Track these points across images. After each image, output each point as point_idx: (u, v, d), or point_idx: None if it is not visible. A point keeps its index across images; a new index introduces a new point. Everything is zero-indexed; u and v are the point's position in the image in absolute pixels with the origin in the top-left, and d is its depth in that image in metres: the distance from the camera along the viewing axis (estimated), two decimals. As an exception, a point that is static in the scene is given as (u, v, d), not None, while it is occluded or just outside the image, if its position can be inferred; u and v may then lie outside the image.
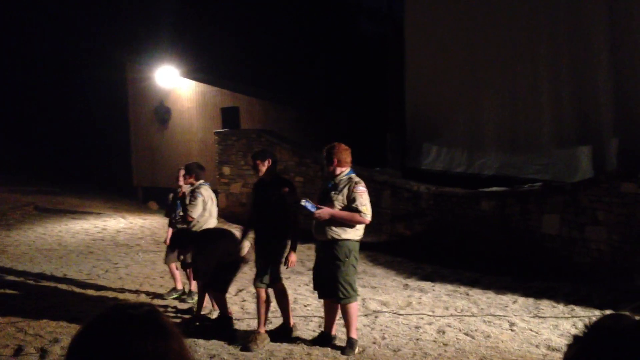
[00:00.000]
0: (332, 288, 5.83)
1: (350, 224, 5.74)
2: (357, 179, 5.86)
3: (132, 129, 19.89)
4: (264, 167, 6.32)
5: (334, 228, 5.73)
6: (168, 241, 7.94)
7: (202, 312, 7.06)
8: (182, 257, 7.36)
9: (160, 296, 8.10)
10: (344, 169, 5.89)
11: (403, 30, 13.84)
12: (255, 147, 14.36)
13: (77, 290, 8.41)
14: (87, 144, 23.78)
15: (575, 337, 1.23)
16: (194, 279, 7.65)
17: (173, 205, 8.02)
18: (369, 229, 10.62)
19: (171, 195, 8.16)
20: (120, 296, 8.14)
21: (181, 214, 7.67)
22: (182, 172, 7.83)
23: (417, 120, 13.14)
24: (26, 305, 7.57)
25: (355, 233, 5.82)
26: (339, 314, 6.04)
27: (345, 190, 5.75)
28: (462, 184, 10.73)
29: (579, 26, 9.97)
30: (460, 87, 12.13)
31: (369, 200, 5.81)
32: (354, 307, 5.93)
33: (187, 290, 7.98)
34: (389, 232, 11.34)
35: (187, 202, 7.29)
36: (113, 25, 22.42)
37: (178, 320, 6.97)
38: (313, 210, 5.67)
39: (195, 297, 7.55)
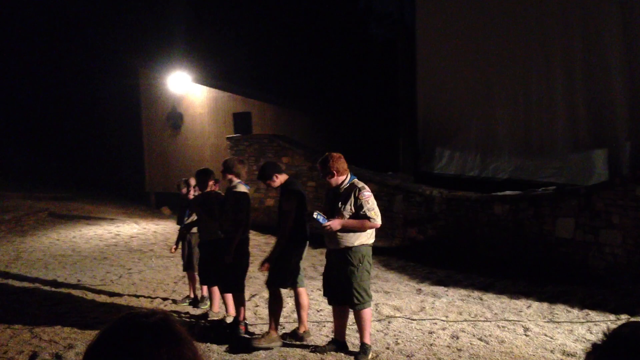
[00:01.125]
0: (344, 294, 5.82)
1: (362, 231, 5.73)
2: (360, 184, 5.83)
3: (144, 135, 20.00)
4: (275, 183, 6.33)
5: (345, 236, 5.72)
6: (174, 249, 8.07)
7: (217, 318, 7.07)
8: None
9: (174, 302, 8.12)
10: (343, 177, 5.87)
11: (414, 35, 13.83)
12: (267, 152, 14.40)
13: (91, 296, 8.45)
14: (100, 150, 23.92)
15: (594, 345, 1.23)
16: (202, 284, 7.67)
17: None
18: (381, 233, 10.65)
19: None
20: (134, 302, 8.17)
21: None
22: (192, 182, 7.95)
23: (429, 125, 13.12)
24: (41, 311, 7.61)
25: (368, 237, 5.80)
26: (351, 319, 6.02)
27: (351, 198, 5.73)
28: (475, 188, 10.69)
29: (593, 29, 9.92)
30: (472, 90, 12.09)
31: (375, 203, 5.78)
32: (368, 313, 5.91)
33: (199, 296, 7.99)
34: (402, 237, 11.32)
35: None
36: (126, 31, 22.56)
37: (191, 327, 6.98)
38: (324, 222, 5.65)
39: (208, 302, 7.57)
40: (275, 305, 6.36)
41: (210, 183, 7.43)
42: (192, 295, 8.09)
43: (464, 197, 10.41)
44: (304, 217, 6.17)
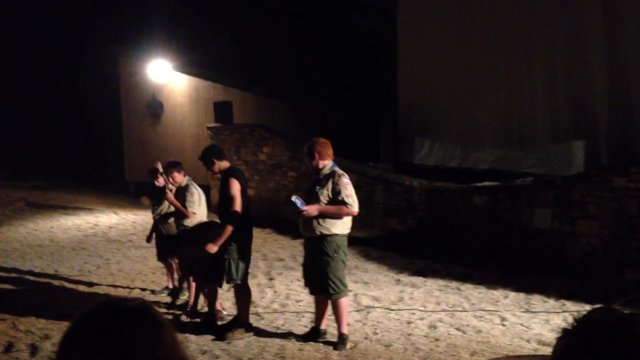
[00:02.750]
0: (320, 284, 5.84)
1: (339, 217, 5.74)
2: (340, 171, 5.86)
3: (124, 124, 19.83)
4: (214, 168, 6.36)
5: (322, 223, 5.72)
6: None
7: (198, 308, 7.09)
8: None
9: (152, 292, 8.08)
10: (326, 162, 5.89)
11: (396, 25, 13.81)
12: (248, 142, 14.35)
13: (69, 286, 8.39)
14: (80, 139, 23.69)
15: (565, 330, 1.23)
16: (184, 275, 7.63)
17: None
18: (361, 224, 10.68)
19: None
20: (112, 292, 8.12)
21: (162, 211, 7.67)
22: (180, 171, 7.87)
23: (410, 115, 13.13)
24: (17, 301, 7.55)
25: (344, 227, 5.82)
26: (330, 309, 6.03)
27: (330, 184, 5.75)
28: (456, 179, 10.73)
29: (574, 21, 9.98)
30: (454, 81, 12.12)
31: (354, 191, 5.81)
32: (345, 303, 5.93)
33: (179, 287, 7.95)
34: (382, 227, 11.35)
35: (187, 199, 7.18)
36: (106, 18, 22.30)
37: (170, 317, 6.96)
38: (302, 207, 5.66)
39: (187, 293, 7.55)
40: (243, 298, 6.35)
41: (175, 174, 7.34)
42: (170, 286, 8.06)
43: (444, 188, 10.45)
44: (247, 205, 6.19)
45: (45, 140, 24.67)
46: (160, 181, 7.77)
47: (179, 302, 7.55)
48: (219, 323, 6.61)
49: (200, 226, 7.04)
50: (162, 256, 7.92)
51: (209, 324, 6.55)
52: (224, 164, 6.40)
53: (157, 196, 7.91)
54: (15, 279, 8.72)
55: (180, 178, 7.31)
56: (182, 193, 7.26)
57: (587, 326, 1.21)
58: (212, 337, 6.19)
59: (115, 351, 1.19)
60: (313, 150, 5.87)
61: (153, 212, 8.00)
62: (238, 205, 6.06)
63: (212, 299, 6.69)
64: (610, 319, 1.21)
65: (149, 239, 8.24)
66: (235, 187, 6.10)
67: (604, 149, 9.51)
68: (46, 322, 6.68)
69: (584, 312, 1.25)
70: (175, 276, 7.98)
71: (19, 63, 25.16)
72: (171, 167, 7.33)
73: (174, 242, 7.06)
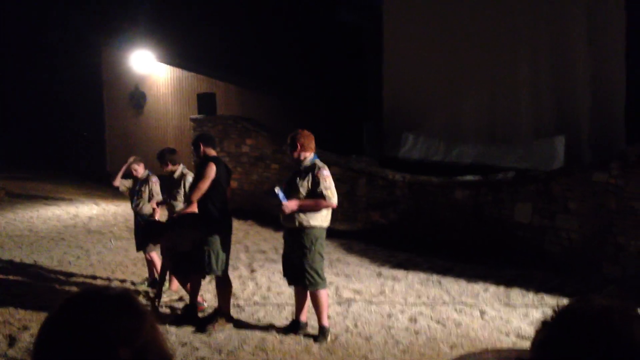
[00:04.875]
0: (299, 275, 5.84)
1: (318, 210, 5.74)
2: (320, 163, 5.86)
3: (106, 114, 19.68)
4: (200, 153, 6.47)
5: (301, 215, 5.73)
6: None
7: (175, 297, 7.10)
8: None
9: (132, 284, 8.03)
10: (307, 154, 5.89)
11: (381, 20, 13.81)
12: (231, 134, 14.28)
13: (48, 277, 8.32)
14: (61, 129, 23.45)
15: (544, 322, 1.22)
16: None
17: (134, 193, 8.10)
18: (343, 217, 10.68)
19: (129, 182, 8.28)
20: (92, 283, 8.06)
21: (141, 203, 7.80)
22: (140, 164, 7.98)
23: (394, 109, 13.15)
24: (-5, 292, 7.47)
25: (323, 219, 5.82)
26: (309, 301, 6.03)
27: (309, 176, 5.76)
28: (439, 173, 10.76)
29: (558, 19, 10.05)
30: (438, 76, 12.15)
31: (333, 184, 5.81)
32: (323, 295, 5.94)
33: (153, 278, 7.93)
34: (364, 221, 11.36)
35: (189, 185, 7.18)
36: (89, 8, 22.07)
37: (150, 307, 6.92)
38: (284, 201, 5.66)
39: (167, 283, 7.54)
40: (224, 290, 6.34)
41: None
42: (151, 278, 8.01)
43: (426, 182, 10.47)
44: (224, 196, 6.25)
45: (25, 131, 24.39)
46: (139, 172, 7.91)
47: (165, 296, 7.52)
48: (200, 315, 6.59)
49: (188, 216, 6.99)
50: (141, 247, 7.91)
51: (190, 316, 6.53)
52: (210, 151, 6.42)
53: (135, 187, 8.00)
54: (-6, 270, 8.63)
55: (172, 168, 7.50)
56: (179, 181, 7.41)
57: (566, 317, 1.21)
58: (193, 329, 6.17)
59: (97, 337, 1.20)
60: (296, 142, 5.87)
61: (132, 203, 8.07)
62: (204, 184, 6.09)
63: (194, 290, 6.67)
64: (589, 309, 1.20)
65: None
66: (211, 169, 6.13)
67: (586, 145, 9.59)
68: (24, 312, 6.63)
69: (563, 304, 1.24)
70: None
71: (-1, 52, 24.84)
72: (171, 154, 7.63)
73: (158, 230, 6.99)
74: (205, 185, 6.11)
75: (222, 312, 6.29)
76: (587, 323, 1.17)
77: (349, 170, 11.63)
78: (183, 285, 6.97)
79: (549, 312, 1.18)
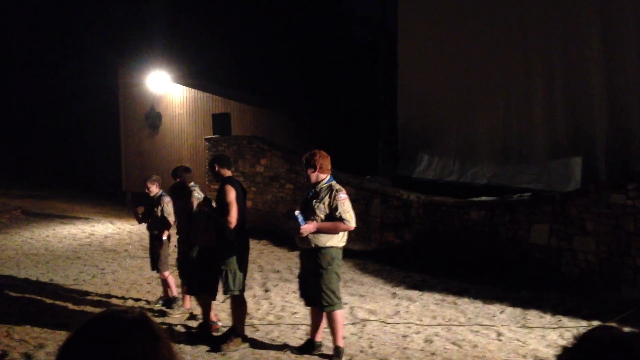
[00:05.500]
0: (314, 296, 5.81)
1: (335, 233, 5.72)
2: (337, 186, 5.83)
3: (122, 134, 19.83)
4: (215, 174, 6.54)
5: (317, 236, 5.71)
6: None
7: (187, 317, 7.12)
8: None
9: (147, 302, 8.04)
10: (324, 176, 5.86)
11: (396, 38, 13.87)
12: (246, 154, 14.34)
13: (64, 295, 8.35)
14: (77, 149, 23.67)
15: (565, 347, 1.22)
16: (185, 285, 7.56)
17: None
18: (358, 237, 10.66)
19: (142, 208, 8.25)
20: (107, 302, 8.08)
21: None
22: (154, 183, 8.03)
23: (409, 129, 13.15)
24: (12, 310, 7.52)
25: (338, 240, 5.79)
26: (325, 321, 6.01)
27: (327, 199, 5.72)
28: (453, 193, 10.72)
29: (572, 37, 10.03)
30: (453, 96, 12.15)
31: (351, 206, 5.78)
32: (339, 315, 5.91)
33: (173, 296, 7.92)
34: (378, 241, 11.33)
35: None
36: (105, 30, 22.37)
37: (165, 327, 6.93)
38: (302, 224, 5.62)
39: (180, 302, 7.59)
40: (239, 310, 6.33)
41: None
42: (165, 296, 8.01)
43: (441, 202, 10.44)
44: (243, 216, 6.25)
45: (42, 150, 24.64)
46: (152, 190, 7.95)
47: (177, 314, 7.52)
48: (215, 334, 6.58)
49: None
50: (155, 266, 7.95)
51: (204, 335, 6.53)
52: (225, 172, 6.44)
53: (149, 206, 8.04)
54: (10, 288, 8.68)
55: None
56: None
57: (587, 344, 1.20)
58: (207, 348, 6.16)
59: None
60: (312, 163, 5.84)
61: (146, 223, 8.14)
62: (234, 209, 6.08)
63: (206, 309, 6.67)
64: (610, 337, 1.20)
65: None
66: (231, 193, 6.13)
67: (602, 166, 9.52)
68: (40, 331, 6.65)
69: (584, 330, 1.24)
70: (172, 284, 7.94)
71: (17, 72, 25.18)
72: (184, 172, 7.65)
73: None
74: (235, 209, 6.11)
75: (237, 331, 6.28)
76: (607, 350, 1.17)
77: (363, 190, 11.63)
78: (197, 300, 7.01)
79: (568, 335, 1.17)
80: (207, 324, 6.64)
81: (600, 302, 7.52)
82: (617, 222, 7.72)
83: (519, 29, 10.92)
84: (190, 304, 7.44)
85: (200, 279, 6.57)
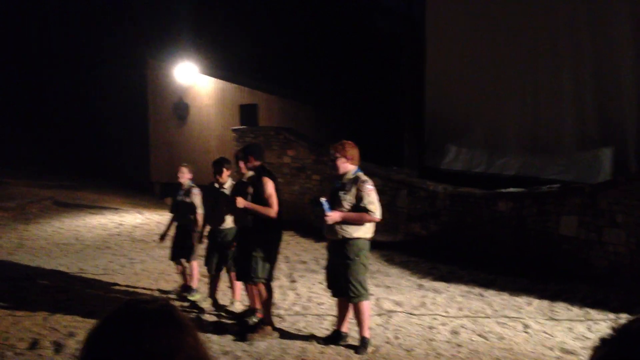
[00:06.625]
0: (342, 286, 5.83)
1: (361, 224, 5.72)
2: (364, 177, 5.81)
3: (151, 125, 20.02)
4: (247, 164, 6.56)
5: (344, 227, 5.72)
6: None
7: (221, 303, 7.20)
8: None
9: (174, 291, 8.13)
10: (352, 167, 5.85)
11: (422, 29, 13.78)
12: (273, 145, 14.38)
13: (94, 284, 8.48)
14: (107, 140, 23.96)
15: (603, 339, 1.20)
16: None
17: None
18: (384, 228, 10.63)
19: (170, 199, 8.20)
20: (136, 292, 8.19)
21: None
22: (189, 168, 8.08)
23: (436, 120, 13.08)
24: (42, 299, 7.65)
25: (366, 231, 5.80)
26: (352, 312, 6.02)
27: (353, 190, 5.72)
28: (481, 185, 10.65)
29: (601, 26, 9.87)
30: (481, 86, 12.05)
31: (377, 198, 5.77)
32: (366, 306, 5.92)
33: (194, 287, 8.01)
34: (405, 232, 11.31)
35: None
36: (134, 22, 22.55)
37: (193, 315, 7.00)
38: (327, 211, 5.65)
39: (196, 295, 7.67)
40: (266, 299, 6.36)
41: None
42: (194, 286, 8.06)
43: (468, 193, 10.38)
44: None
45: (71, 141, 24.97)
46: (185, 176, 7.95)
47: (204, 304, 7.59)
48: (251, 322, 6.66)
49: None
50: (175, 256, 8.04)
51: (243, 321, 6.65)
52: (258, 163, 6.46)
53: (178, 197, 8.04)
54: (41, 277, 8.84)
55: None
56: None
57: (626, 336, 1.18)
58: (234, 338, 6.21)
59: (138, 354, 1.20)
60: (340, 153, 5.83)
61: (175, 213, 8.20)
62: (275, 203, 6.18)
63: (254, 297, 6.77)
64: None
65: (162, 238, 8.38)
66: (271, 185, 6.19)
67: (632, 156, 9.37)
68: (71, 319, 6.76)
69: (623, 322, 1.22)
70: (195, 275, 8.01)
71: (47, 65, 25.53)
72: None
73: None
74: (276, 201, 6.21)
75: (266, 321, 6.32)
76: None
77: (390, 181, 11.61)
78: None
79: (596, 328, 1.16)
80: (252, 311, 6.76)
81: (629, 294, 7.43)
82: (648, 214, 7.60)
83: (547, 18, 10.78)
84: (239, 294, 7.46)
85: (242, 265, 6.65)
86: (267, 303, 6.37)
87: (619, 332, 1.20)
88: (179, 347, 1.23)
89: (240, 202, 6.18)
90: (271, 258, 6.28)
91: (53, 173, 22.14)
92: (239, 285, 7.29)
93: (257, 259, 6.16)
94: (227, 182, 7.43)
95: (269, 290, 6.39)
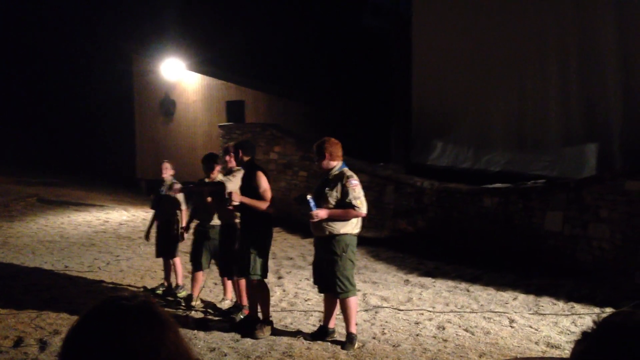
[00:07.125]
0: (329, 282, 5.83)
1: (347, 220, 5.73)
2: (349, 172, 5.83)
3: (137, 121, 19.92)
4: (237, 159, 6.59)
5: (331, 224, 5.73)
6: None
7: (208, 300, 7.20)
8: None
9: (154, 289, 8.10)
10: (335, 163, 5.86)
11: (409, 25, 13.80)
12: (260, 141, 14.36)
13: (79, 282, 8.43)
14: (91, 136, 23.82)
15: (584, 333, 1.21)
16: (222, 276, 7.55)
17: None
18: (371, 224, 10.65)
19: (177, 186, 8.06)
20: (122, 289, 8.14)
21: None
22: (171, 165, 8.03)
23: (422, 116, 13.11)
24: (27, 296, 7.59)
25: (353, 227, 5.81)
26: (338, 308, 6.02)
27: (339, 185, 5.73)
28: (467, 180, 10.69)
29: (587, 23, 9.93)
30: (467, 83, 12.09)
31: (362, 193, 5.78)
32: (353, 302, 5.92)
33: (176, 283, 7.99)
34: (391, 228, 11.32)
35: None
36: (119, 17, 22.41)
37: (179, 313, 6.98)
38: (313, 209, 5.65)
39: (183, 292, 7.66)
40: (263, 296, 6.35)
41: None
42: (170, 283, 8.04)
43: (455, 189, 10.41)
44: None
45: (56, 137, 24.81)
46: (167, 172, 7.94)
47: (180, 294, 7.63)
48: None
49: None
50: (161, 253, 8.01)
51: (233, 318, 6.64)
52: (249, 159, 6.44)
53: (160, 192, 8.04)
54: (26, 274, 8.77)
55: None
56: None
57: (608, 329, 1.19)
58: (221, 335, 6.19)
59: (119, 350, 1.19)
60: (323, 150, 5.84)
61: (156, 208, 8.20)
62: (268, 194, 6.21)
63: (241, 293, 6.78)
64: (632, 321, 1.19)
65: (147, 237, 8.35)
66: (264, 180, 6.18)
67: (617, 152, 9.44)
68: (56, 317, 6.72)
69: (596, 316, 1.22)
70: (179, 271, 7.98)
71: (32, 60, 25.32)
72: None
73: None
74: (270, 195, 6.23)
75: (265, 317, 6.31)
76: (628, 336, 1.15)
77: (376, 177, 11.62)
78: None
79: (581, 322, 1.16)
80: (239, 307, 6.76)
81: (614, 289, 7.48)
82: (632, 210, 7.67)
83: (534, 15, 10.82)
84: (231, 293, 7.44)
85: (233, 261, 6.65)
86: (265, 299, 6.34)
87: (600, 326, 1.20)
88: (160, 343, 1.22)
89: (236, 197, 6.16)
90: (266, 254, 6.28)
91: (37, 170, 21.98)
92: (230, 283, 7.28)
93: (254, 256, 6.16)
94: (218, 178, 7.41)
95: (265, 287, 6.38)
